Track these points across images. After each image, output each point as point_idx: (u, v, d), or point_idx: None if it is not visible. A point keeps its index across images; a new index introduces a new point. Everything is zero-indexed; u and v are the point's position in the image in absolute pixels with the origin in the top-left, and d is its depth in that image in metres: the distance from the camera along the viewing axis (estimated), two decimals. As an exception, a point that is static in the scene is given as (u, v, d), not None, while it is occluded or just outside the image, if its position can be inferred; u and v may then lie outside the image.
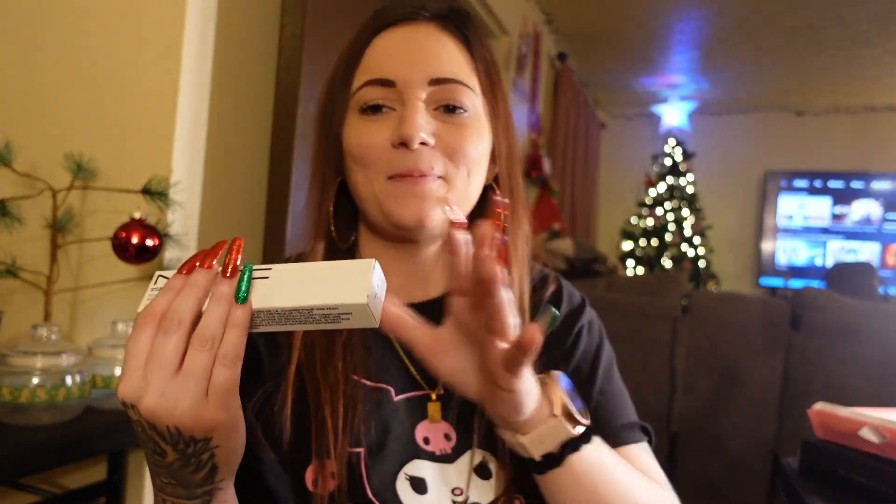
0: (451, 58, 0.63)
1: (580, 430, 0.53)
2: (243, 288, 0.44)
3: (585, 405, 0.56)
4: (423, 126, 0.60)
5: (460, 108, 0.62)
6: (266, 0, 1.64)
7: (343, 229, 0.67)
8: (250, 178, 1.64)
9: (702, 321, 2.38)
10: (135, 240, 1.21)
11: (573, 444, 0.53)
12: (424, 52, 0.62)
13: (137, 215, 1.24)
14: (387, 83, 0.61)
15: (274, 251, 1.61)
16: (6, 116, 1.42)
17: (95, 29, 1.40)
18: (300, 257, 0.67)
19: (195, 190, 1.45)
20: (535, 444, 0.52)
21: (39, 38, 1.43)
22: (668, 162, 6.04)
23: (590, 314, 0.74)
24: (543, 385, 0.54)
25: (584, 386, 0.67)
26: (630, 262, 5.91)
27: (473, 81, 0.64)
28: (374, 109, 0.62)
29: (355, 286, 0.44)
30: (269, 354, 0.63)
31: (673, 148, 6.04)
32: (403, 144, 0.59)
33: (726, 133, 6.38)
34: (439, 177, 0.61)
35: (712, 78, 5.55)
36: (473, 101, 0.63)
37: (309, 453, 0.58)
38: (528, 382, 0.49)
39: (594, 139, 5.84)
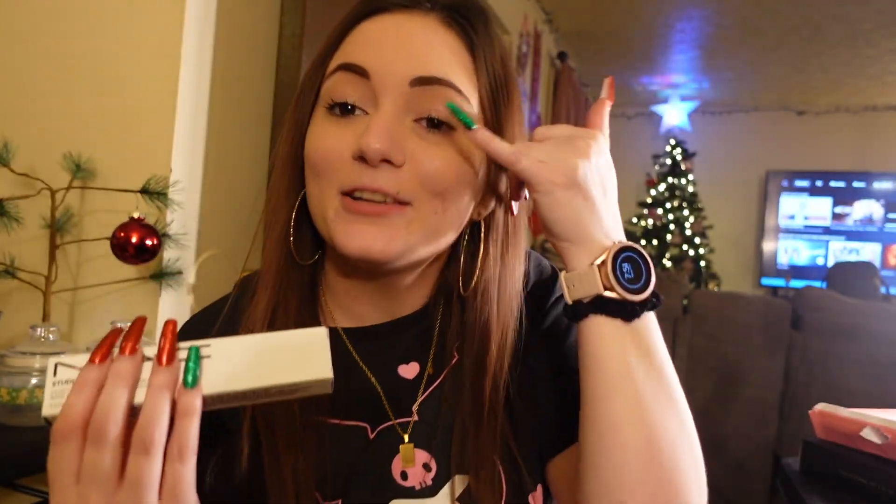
0: (445, 58, 0.52)
1: (613, 295, 0.48)
2: (191, 371, 0.38)
3: (649, 292, 0.50)
4: (391, 138, 0.49)
5: (446, 123, 0.52)
6: (266, 0, 1.64)
7: (308, 243, 0.57)
8: (250, 178, 1.64)
9: (702, 321, 2.37)
10: (134, 240, 1.21)
11: (604, 304, 0.49)
12: (412, 45, 0.52)
13: (136, 215, 1.23)
14: (359, 71, 0.51)
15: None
16: (5, 116, 1.42)
17: (95, 29, 1.40)
18: (253, 276, 0.60)
19: (194, 190, 1.45)
20: (568, 285, 0.50)
21: (39, 38, 1.43)
22: (668, 162, 6.03)
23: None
24: (611, 245, 0.50)
25: (556, 351, 0.62)
26: (631, 262, 5.90)
27: (470, 92, 0.53)
28: (343, 109, 0.52)
29: (316, 360, 0.41)
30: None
31: (673, 148, 6.03)
32: (363, 158, 0.49)
33: (727, 133, 6.37)
34: (403, 203, 0.51)
35: (713, 77, 5.55)
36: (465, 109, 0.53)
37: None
38: (570, 196, 0.49)
39: (595, 139, 5.82)
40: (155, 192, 1.28)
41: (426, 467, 0.57)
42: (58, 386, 0.39)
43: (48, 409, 0.39)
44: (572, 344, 0.61)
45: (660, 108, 6.45)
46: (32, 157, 1.35)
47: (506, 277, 0.58)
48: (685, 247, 5.79)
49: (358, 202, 0.50)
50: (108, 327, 1.28)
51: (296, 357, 0.41)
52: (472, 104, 0.53)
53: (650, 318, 0.52)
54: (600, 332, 0.49)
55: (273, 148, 1.87)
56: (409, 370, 0.60)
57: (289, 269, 0.56)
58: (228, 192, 1.57)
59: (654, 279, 0.51)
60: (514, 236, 0.59)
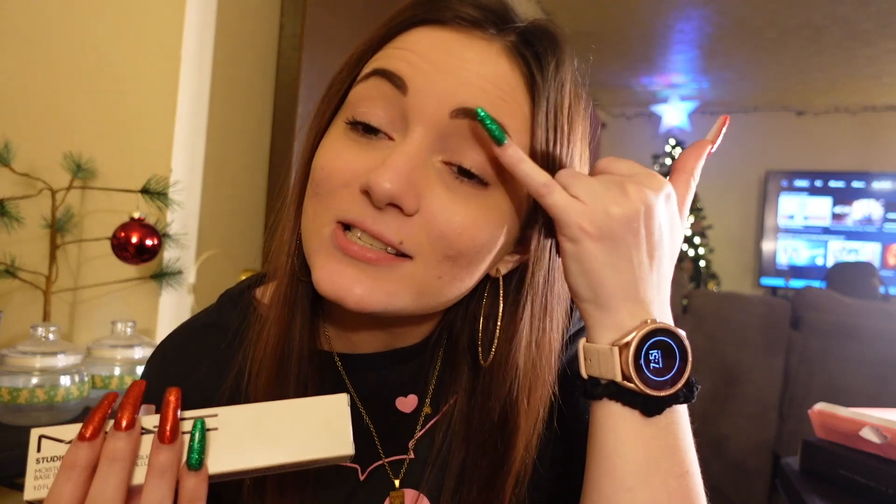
0: (497, 93, 0.43)
1: (631, 386, 0.42)
2: (197, 451, 0.34)
3: (677, 388, 0.44)
4: (408, 181, 0.41)
5: (479, 177, 0.43)
6: (266, 0, 1.64)
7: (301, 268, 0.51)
8: (250, 178, 1.64)
9: (702, 321, 2.38)
10: (134, 239, 1.21)
11: (616, 391, 0.43)
12: (464, 69, 0.43)
13: (137, 215, 1.23)
14: (397, 82, 0.43)
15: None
16: (6, 116, 1.42)
17: (95, 29, 1.40)
18: (264, 278, 0.56)
19: (195, 190, 1.45)
20: (587, 357, 0.45)
21: (39, 38, 1.43)
22: (668, 162, 6.04)
23: None
24: (643, 323, 0.43)
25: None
26: (630, 262, 5.91)
27: (524, 140, 0.45)
28: (366, 130, 0.44)
29: (336, 434, 0.37)
30: None
31: (673, 148, 6.04)
32: (368, 193, 0.42)
33: (727, 133, 6.30)
34: (404, 255, 0.43)
35: (712, 77, 5.55)
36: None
37: None
38: (589, 258, 0.42)
39: (594, 139, 5.83)
40: (155, 193, 1.28)
41: None
42: (42, 464, 0.34)
43: (31, 493, 0.34)
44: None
45: (659, 108, 6.46)
46: (33, 157, 1.35)
47: (543, 346, 0.50)
48: (684, 246, 5.80)
49: (350, 241, 0.43)
50: (108, 327, 1.28)
51: (314, 430, 0.36)
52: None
53: (678, 412, 0.45)
54: (614, 422, 0.43)
55: (273, 148, 1.86)
56: (407, 404, 0.55)
57: (292, 285, 0.50)
58: (228, 192, 1.57)
59: (688, 370, 0.44)
60: (551, 293, 0.50)
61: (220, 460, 0.35)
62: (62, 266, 1.35)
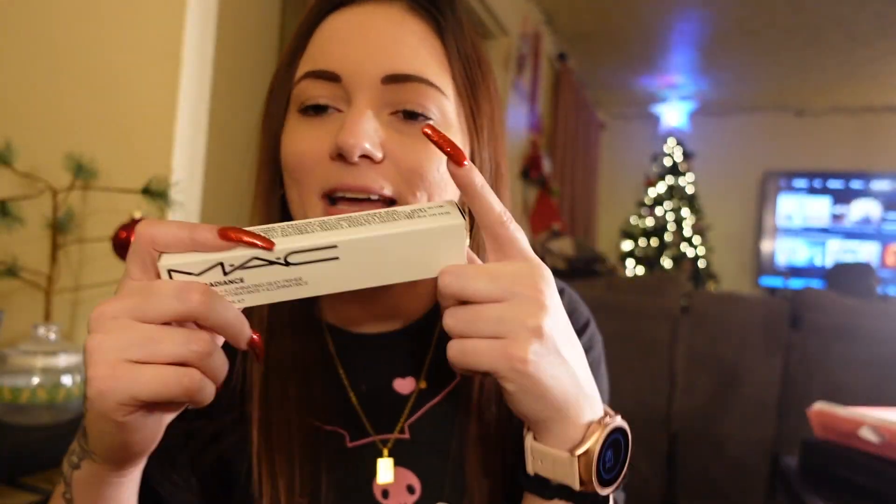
0: (414, 50, 0.49)
1: (583, 490, 0.43)
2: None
3: (621, 480, 0.44)
4: (368, 135, 0.47)
5: (422, 114, 0.49)
6: (266, 0, 1.64)
7: None
8: (250, 178, 1.64)
9: (701, 321, 2.38)
10: (135, 240, 1.21)
11: (572, 495, 0.43)
12: (381, 41, 0.49)
13: (138, 215, 1.24)
14: (330, 77, 0.49)
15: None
16: (6, 116, 1.42)
17: (95, 29, 1.40)
18: None
19: (195, 190, 1.45)
20: (535, 456, 0.44)
21: (39, 38, 1.43)
22: (667, 162, 6.04)
23: (588, 340, 0.62)
24: (597, 423, 0.43)
25: None
26: (630, 262, 5.91)
27: (444, 80, 0.50)
28: (315, 110, 0.50)
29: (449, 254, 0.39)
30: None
31: (673, 148, 6.04)
32: (342, 156, 0.47)
33: (726, 133, 6.38)
34: (388, 199, 0.49)
35: (712, 78, 5.55)
36: (442, 105, 0.50)
37: (252, 499, 0.50)
38: (547, 387, 0.40)
39: (594, 139, 5.84)
40: (156, 193, 1.28)
41: (410, 489, 0.53)
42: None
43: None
44: None
45: (659, 109, 6.46)
46: (34, 157, 1.35)
47: None
48: (684, 247, 5.80)
49: (337, 206, 0.48)
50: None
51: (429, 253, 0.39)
52: (447, 94, 0.51)
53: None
54: None
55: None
56: (405, 385, 0.56)
57: None
58: (229, 192, 1.57)
59: (628, 462, 0.44)
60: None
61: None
62: (63, 266, 1.36)
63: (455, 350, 0.40)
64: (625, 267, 5.85)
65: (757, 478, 2.25)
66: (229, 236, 0.36)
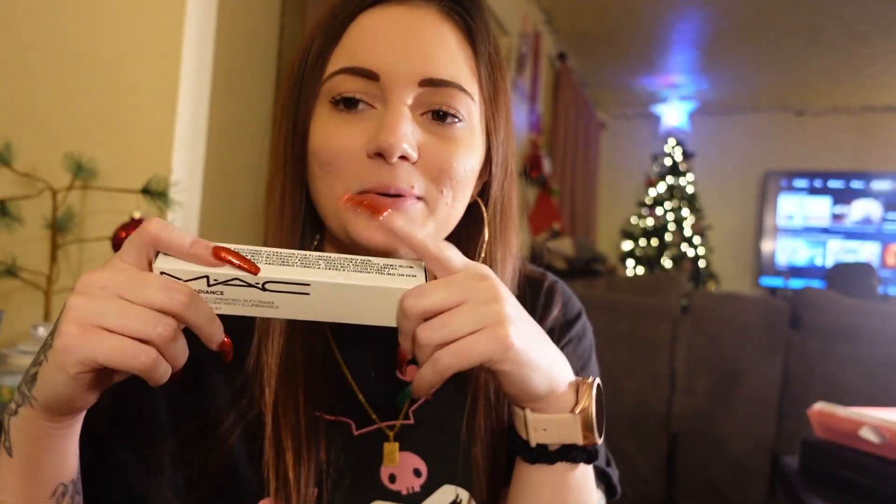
0: (450, 55, 0.52)
1: (586, 444, 0.48)
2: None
3: (602, 429, 0.49)
4: (407, 137, 0.49)
5: (453, 116, 0.52)
6: (266, 0, 1.64)
7: (308, 231, 0.57)
8: (250, 178, 1.64)
9: (702, 321, 2.38)
10: (135, 240, 1.21)
11: (572, 453, 0.48)
12: (419, 45, 0.51)
13: (137, 215, 1.24)
14: (368, 75, 0.50)
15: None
16: (6, 116, 1.42)
17: (95, 29, 1.40)
18: None
19: (195, 190, 1.45)
20: (537, 427, 0.47)
21: (39, 38, 1.43)
22: (667, 162, 6.04)
23: (581, 328, 0.65)
24: (579, 384, 0.48)
25: None
26: (630, 262, 5.92)
27: (473, 86, 0.53)
28: (348, 103, 0.51)
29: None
30: (225, 381, 0.56)
31: (673, 148, 6.04)
32: (380, 155, 0.49)
33: (726, 133, 6.38)
34: (418, 198, 0.51)
35: (712, 78, 5.55)
36: (470, 108, 0.53)
37: (258, 490, 0.52)
38: (520, 356, 0.44)
39: (594, 139, 5.84)
40: (156, 193, 1.28)
41: (416, 473, 0.55)
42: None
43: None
44: None
45: (659, 109, 6.46)
46: (34, 157, 1.35)
47: (506, 255, 0.58)
48: (684, 246, 5.80)
49: (379, 201, 0.50)
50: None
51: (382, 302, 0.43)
52: (475, 99, 0.54)
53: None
54: (562, 480, 0.49)
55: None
56: (409, 372, 0.59)
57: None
58: (229, 192, 1.57)
59: (604, 410, 0.50)
60: (509, 208, 0.59)
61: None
62: (63, 266, 1.36)
63: (447, 357, 0.42)
64: (625, 267, 5.85)
65: (757, 478, 2.25)
66: (221, 256, 0.41)
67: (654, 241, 5.86)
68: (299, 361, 0.54)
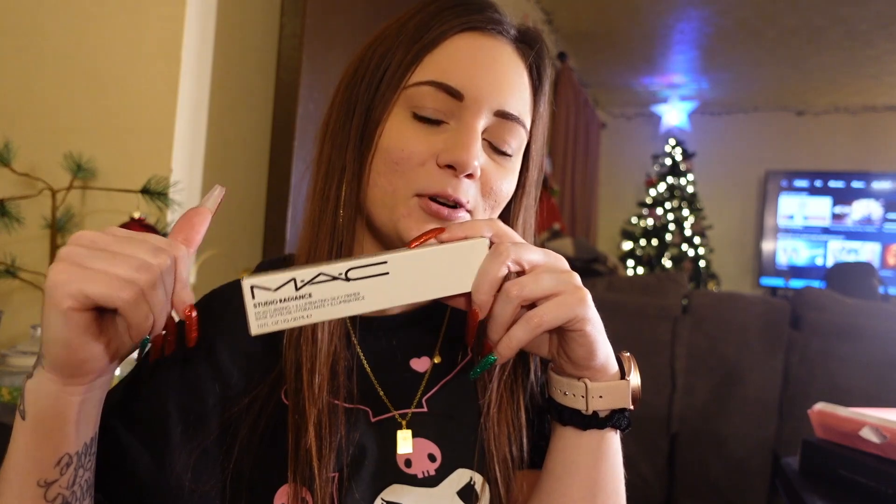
0: (522, 93, 0.58)
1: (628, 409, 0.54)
2: None
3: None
4: (479, 157, 0.55)
5: (507, 153, 0.58)
6: (266, 0, 1.64)
7: (347, 217, 0.59)
8: (250, 178, 1.64)
9: (702, 321, 2.38)
10: (134, 240, 1.21)
11: (620, 419, 0.53)
12: (502, 77, 0.57)
13: (137, 215, 1.24)
14: (454, 94, 0.55)
15: (274, 251, 1.61)
16: (6, 116, 1.42)
17: (95, 29, 1.40)
18: (289, 258, 0.64)
19: (195, 190, 1.45)
20: (595, 395, 0.52)
21: (39, 38, 1.43)
22: (668, 162, 6.04)
23: None
24: (620, 356, 0.54)
25: None
26: (630, 262, 5.91)
27: (528, 120, 0.60)
28: (429, 122, 0.56)
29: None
30: (243, 373, 0.58)
31: (673, 148, 6.04)
32: (450, 167, 0.55)
33: (726, 133, 6.38)
34: (468, 210, 0.57)
35: (712, 78, 5.55)
36: (521, 143, 0.59)
37: (280, 475, 0.54)
38: (594, 317, 0.50)
39: (594, 139, 5.84)
40: (155, 193, 1.28)
41: (431, 457, 0.58)
42: (259, 308, 0.44)
43: (256, 329, 0.44)
44: None
45: (659, 109, 6.46)
46: (33, 157, 1.35)
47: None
48: (685, 247, 5.80)
49: (438, 206, 0.55)
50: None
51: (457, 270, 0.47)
52: (527, 132, 0.60)
53: None
54: (608, 446, 0.54)
55: (273, 148, 1.85)
56: (421, 363, 0.62)
57: (332, 242, 0.59)
58: (229, 192, 1.57)
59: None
60: (530, 221, 0.65)
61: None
62: (62, 266, 1.35)
63: (543, 313, 0.47)
64: (625, 267, 5.85)
65: (757, 478, 2.25)
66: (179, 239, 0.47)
67: (655, 242, 5.85)
68: (321, 354, 0.57)
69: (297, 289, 0.43)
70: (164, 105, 1.37)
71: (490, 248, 0.48)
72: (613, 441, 0.55)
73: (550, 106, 0.65)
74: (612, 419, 0.53)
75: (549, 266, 0.49)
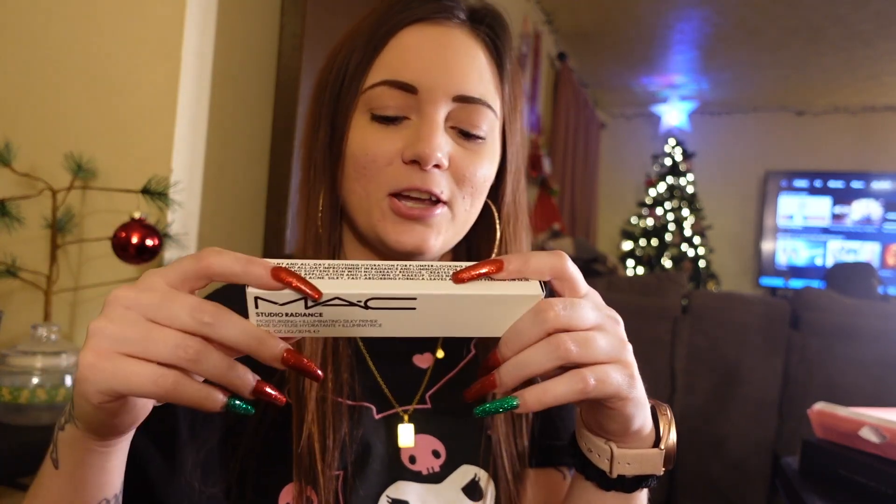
0: (480, 74, 0.57)
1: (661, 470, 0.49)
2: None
3: None
4: (441, 147, 0.54)
5: (478, 136, 0.57)
6: (266, 0, 1.64)
7: (330, 229, 0.60)
8: (250, 178, 1.64)
9: (702, 321, 2.38)
10: (134, 240, 1.21)
11: (649, 480, 0.50)
12: (454, 63, 0.56)
13: (137, 215, 1.23)
14: (408, 88, 0.55)
15: (274, 250, 1.61)
16: (6, 116, 1.42)
17: (95, 29, 1.40)
18: (289, 256, 0.63)
19: (195, 190, 1.45)
20: (622, 462, 0.47)
21: (39, 38, 1.43)
22: (668, 162, 6.04)
23: None
24: (657, 410, 0.49)
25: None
26: (630, 262, 5.91)
27: (497, 102, 0.58)
28: (387, 121, 0.56)
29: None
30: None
31: (673, 148, 6.04)
32: (415, 162, 0.54)
33: (726, 133, 6.38)
34: (444, 202, 0.56)
35: (712, 78, 5.55)
36: (493, 124, 0.58)
37: (284, 474, 0.54)
38: (638, 395, 0.43)
39: (594, 139, 5.84)
40: (156, 193, 1.28)
41: (435, 454, 0.58)
42: (262, 317, 0.39)
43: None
44: None
45: (659, 109, 6.46)
46: (34, 157, 1.35)
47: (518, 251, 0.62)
48: (684, 247, 5.80)
49: (406, 206, 0.54)
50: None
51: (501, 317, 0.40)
52: (497, 115, 0.58)
53: None
54: (642, 498, 0.51)
55: (273, 148, 1.85)
56: (424, 360, 0.62)
57: (316, 256, 0.59)
58: (228, 192, 1.57)
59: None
60: (520, 210, 0.63)
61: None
62: (63, 266, 1.35)
63: (592, 380, 0.39)
64: (625, 267, 5.85)
65: (757, 478, 2.25)
66: (280, 278, 0.37)
67: (655, 242, 5.85)
68: (327, 353, 0.57)
69: (306, 307, 0.39)
70: (165, 105, 1.37)
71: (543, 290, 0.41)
72: (641, 498, 0.51)
73: (522, 78, 0.63)
74: (643, 482, 0.49)
75: (604, 329, 0.41)
